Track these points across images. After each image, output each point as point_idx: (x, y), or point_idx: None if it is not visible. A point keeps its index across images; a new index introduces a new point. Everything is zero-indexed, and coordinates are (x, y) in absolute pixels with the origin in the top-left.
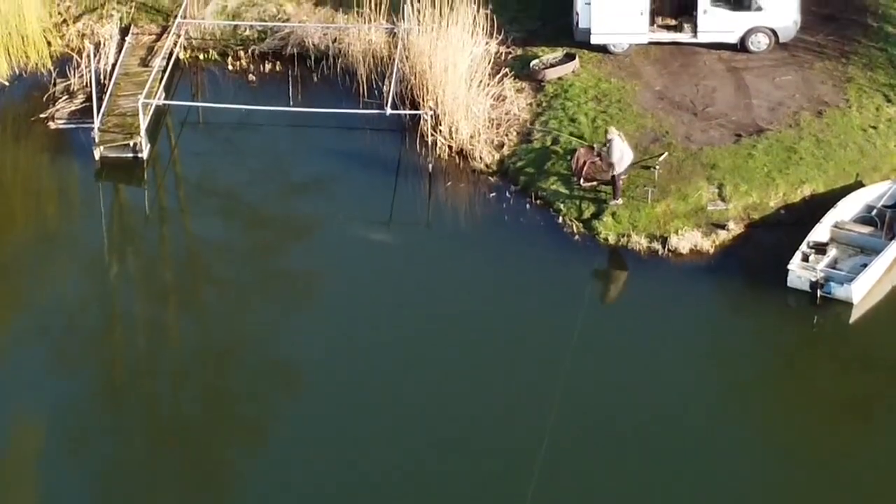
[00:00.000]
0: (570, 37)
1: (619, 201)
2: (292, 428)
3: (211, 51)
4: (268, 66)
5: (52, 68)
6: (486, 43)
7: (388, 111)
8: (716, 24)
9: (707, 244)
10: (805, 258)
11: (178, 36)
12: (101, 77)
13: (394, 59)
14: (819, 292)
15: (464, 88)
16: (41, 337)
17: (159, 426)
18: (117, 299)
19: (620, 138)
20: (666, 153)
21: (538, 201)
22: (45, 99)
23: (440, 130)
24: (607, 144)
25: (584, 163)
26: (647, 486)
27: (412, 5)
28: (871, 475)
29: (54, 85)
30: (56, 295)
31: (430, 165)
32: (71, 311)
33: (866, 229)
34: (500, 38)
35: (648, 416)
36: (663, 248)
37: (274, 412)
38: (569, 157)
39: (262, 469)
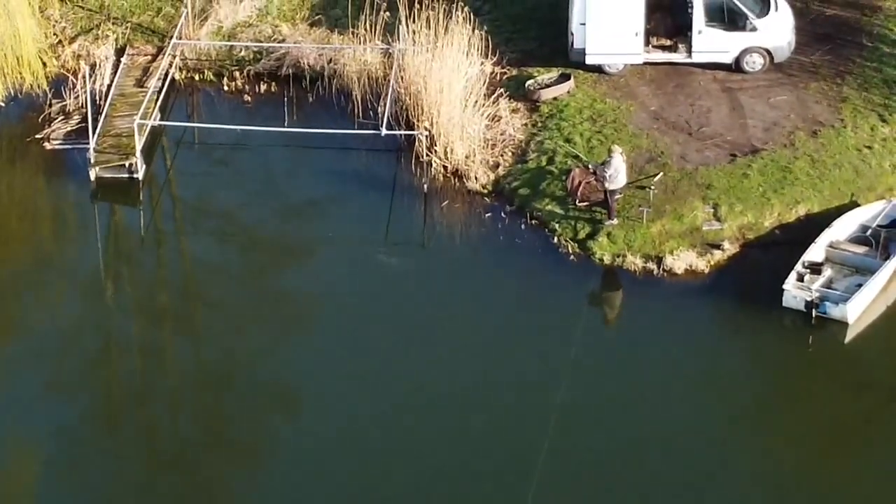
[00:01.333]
0: (566, 57)
1: (615, 221)
2: (290, 451)
3: (206, 71)
4: (263, 87)
5: (47, 89)
6: (482, 63)
7: (384, 132)
8: (711, 45)
9: (702, 264)
10: (800, 278)
11: (174, 57)
12: (97, 98)
13: (389, 80)
14: (814, 312)
15: (459, 109)
16: (36, 360)
17: (156, 449)
18: (113, 321)
19: (622, 158)
20: (661, 173)
21: (533, 221)
22: (40, 119)
23: (435, 151)
24: (607, 160)
25: (580, 183)
26: None
27: (407, 26)
28: (869, 496)
29: (50, 105)
30: (51, 317)
31: (426, 186)
32: (66, 334)
33: (861, 249)
34: (496, 58)
35: (644, 435)
36: (658, 268)
37: (272, 435)
38: (564, 178)
39: (260, 492)
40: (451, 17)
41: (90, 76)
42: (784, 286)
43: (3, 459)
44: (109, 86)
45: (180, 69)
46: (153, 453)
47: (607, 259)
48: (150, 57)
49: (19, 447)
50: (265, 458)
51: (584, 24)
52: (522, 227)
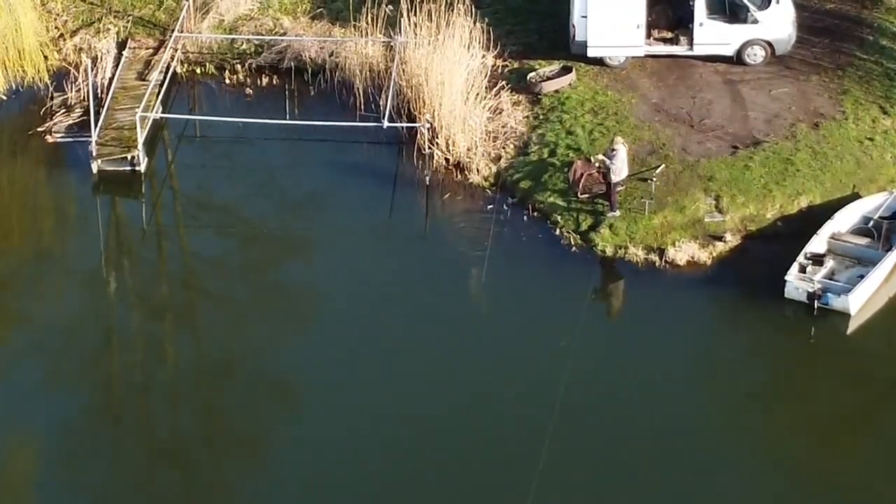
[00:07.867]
0: (567, 50)
1: (617, 213)
2: (290, 445)
3: (208, 64)
4: (265, 80)
5: (49, 82)
6: (483, 56)
7: (386, 124)
8: (712, 37)
9: (704, 256)
10: (802, 269)
11: (175, 50)
12: (99, 91)
13: (391, 73)
14: (816, 303)
15: (460, 101)
16: (37, 352)
17: (156, 443)
18: (114, 314)
19: (625, 149)
20: (663, 165)
21: (535, 213)
22: (42, 113)
23: (437, 143)
24: (611, 152)
25: (582, 175)
26: (645, 500)
27: (409, 19)
28: (870, 486)
29: (51, 99)
30: (53, 310)
31: (428, 178)
32: (67, 327)
33: (863, 241)
34: (497, 51)
35: (645, 426)
36: (661, 259)
37: (272, 429)
38: (566, 170)
39: (260, 487)
40: (452, 10)
41: (92, 69)
42: (786, 277)
43: (3, 451)
44: (111, 79)
45: (182, 62)
46: (153, 446)
47: (609, 251)
48: (151, 50)
49: (20, 439)
50: (265, 451)
51: (585, 16)
52: (524, 219)
